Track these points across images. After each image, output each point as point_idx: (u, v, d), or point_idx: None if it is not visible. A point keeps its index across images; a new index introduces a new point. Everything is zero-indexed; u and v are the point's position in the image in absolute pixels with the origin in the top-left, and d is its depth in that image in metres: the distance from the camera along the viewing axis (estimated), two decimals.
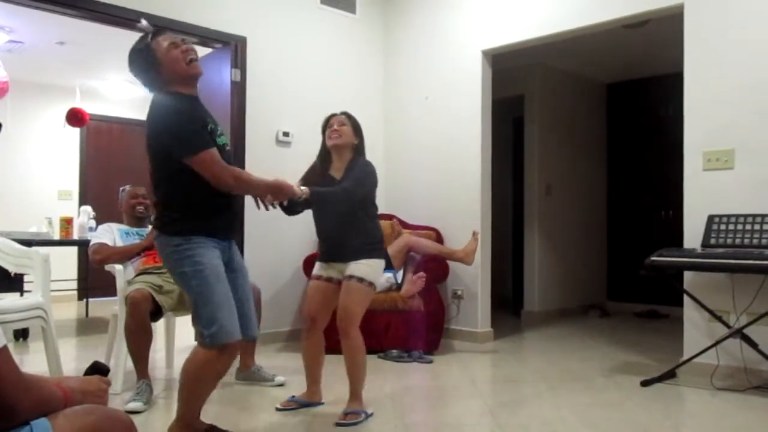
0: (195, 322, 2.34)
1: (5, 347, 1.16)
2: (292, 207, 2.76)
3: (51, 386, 1.28)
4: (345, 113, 3.09)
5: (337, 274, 2.98)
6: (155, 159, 2.41)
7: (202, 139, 2.34)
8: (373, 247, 2.95)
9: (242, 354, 3.56)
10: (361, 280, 2.86)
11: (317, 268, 3.08)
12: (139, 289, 3.31)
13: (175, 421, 2.42)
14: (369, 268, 2.89)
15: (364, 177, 2.94)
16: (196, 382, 2.37)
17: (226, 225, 2.52)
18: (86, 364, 1.54)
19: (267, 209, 2.55)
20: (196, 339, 2.35)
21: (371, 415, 2.92)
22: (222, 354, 2.31)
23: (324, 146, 3.06)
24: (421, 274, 4.25)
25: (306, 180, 2.97)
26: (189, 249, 2.33)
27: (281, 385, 3.53)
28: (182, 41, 2.48)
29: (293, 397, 3.15)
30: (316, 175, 3.04)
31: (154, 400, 3.22)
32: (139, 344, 3.24)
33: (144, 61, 2.41)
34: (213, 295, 2.31)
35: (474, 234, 4.52)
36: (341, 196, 2.85)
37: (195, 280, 2.32)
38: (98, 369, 1.52)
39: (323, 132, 3.07)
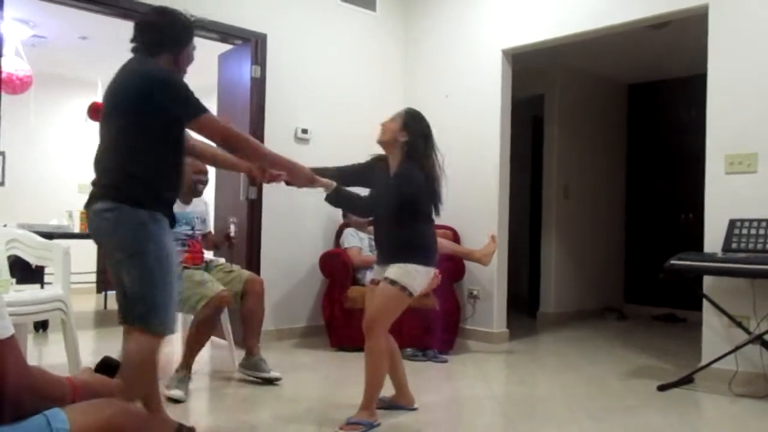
0: (140, 304, 2.20)
1: (12, 336, 1.17)
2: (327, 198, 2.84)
3: (57, 378, 1.29)
4: (407, 109, 2.94)
5: None
6: (137, 120, 2.20)
7: (201, 102, 2.30)
8: (413, 252, 2.78)
9: (248, 340, 3.61)
10: (393, 282, 2.73)
11: (374, 272, 3.04)
12: (226, 290, 3.45)
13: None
14: (402, 271, 2.74)
15: (392, 192, 2.79)
16: (148, 368, 2.29)
17: (172, 204, 2.38)
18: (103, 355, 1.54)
19: (268, 182, 2.69)
20: (130, 322, 2.25)
21: (377, 425, 2.78)
22: (161, 342, 2.28)
23: None
24: (437, 272, 4.22)
25: (347, 170, 3.01)
26: (155, 228, 2.21)
27: (277, 379, 3.52)
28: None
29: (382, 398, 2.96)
30: (366, 169, 3.01)
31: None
32: (204, 338, 3.42)
33: (183, 35, 2.41)
34: (169, 281, 2.23)
35: (492, 237, 4.49)
36: (358, 208, 2.94)
37: (157, 262, 2.19)
38: (108, 365, 1.49)
39: None
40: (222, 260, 4.05)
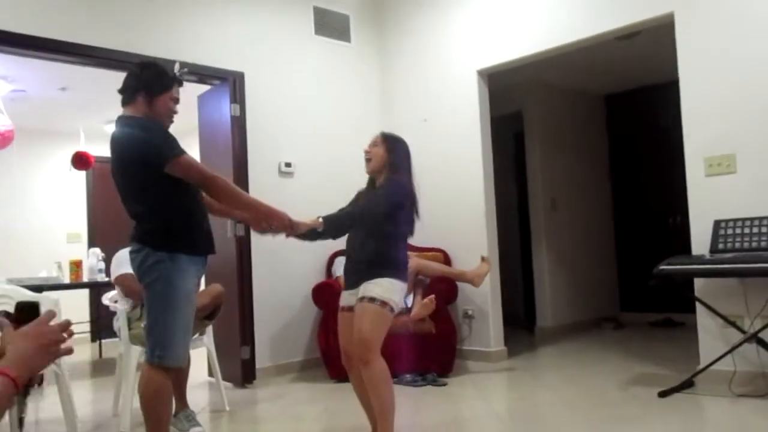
0: (149, 336, 2.52)
1: None
2: (311, 235, 2.73)
3: None
4: (382, 133, 2.96)
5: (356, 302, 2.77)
6: (132, 172, 2.52)
7: (178, 145, 2.51)
8: (388, 267, 2.71)
9: (175, 390, 3.17)
10: (372, 300, 2.63)
11: (341, 299, 2.88)
12: None
13: None
14: (380, 288, 2.65)
15: (380, 196, 2.79)
16: (158, 402, 2.52)
17: (205, 240, 2.66)
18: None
19: (266, 234, 2.70)
20: (146, 359, 2.53)
21: None
22: (168, 377, 2.53)
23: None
24: (431, 297, 4.22)
25: (354, 203, 2.96)
26: (169, 266, 2.48)
27: None
28: (178, 101, 2.72)
29: None
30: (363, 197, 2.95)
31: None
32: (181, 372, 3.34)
33: (154, 84, 2.61)
34: (177, 318, 2.49)
35: (484, 258, 4.51)
36: (346, 220, 2.77)
37: (162, 298, 2.48)
38: (26, 309, 1.24)
39: None
40: None
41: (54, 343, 1.16)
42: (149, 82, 2.60)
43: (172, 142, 2.50)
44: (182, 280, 2.50)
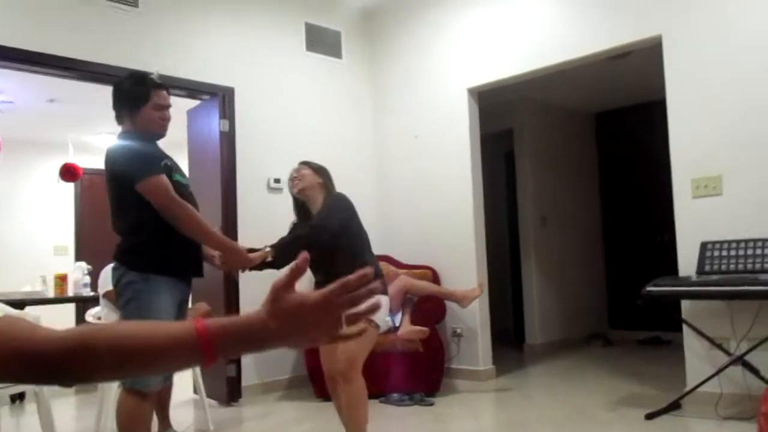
0: None
1: None
2: (260, 265, 2.73)
3: None
4: (301, 162, 3.04)
5: None
6: (114, 190, 2.54)
7: (153, 166, 2.48)
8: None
9: (158, 410, 3.25)
10: None
11: None
12: None
13: None
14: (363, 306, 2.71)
15: (327, 210, 2.82)
16: (133, 427, 2.48)
17: (186, 263, 2.60)
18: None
19: (229, 273, 2.68)
20: (120, 383, 2.55)
21: None
22: (144, 400, 2.47)
23: (296, 200, 3.01)
24: (425, 329, 4.16)
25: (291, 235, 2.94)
26: (140, 291, 2.45)
27: None
28: (167, 107, 2.66)
29: None
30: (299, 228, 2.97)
31: None
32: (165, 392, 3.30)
33: (130, 98, 2.60)
34: None
35: (480, 285, 4.51)
36: (305, 239, 2.73)
37: (133, 318, 2.41)
38: None
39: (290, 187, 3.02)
40: None
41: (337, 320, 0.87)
42: (126, 98, 2.60)
43: (149, 161, 2.47)
44: (156, 303, 2.45)
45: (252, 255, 2.67)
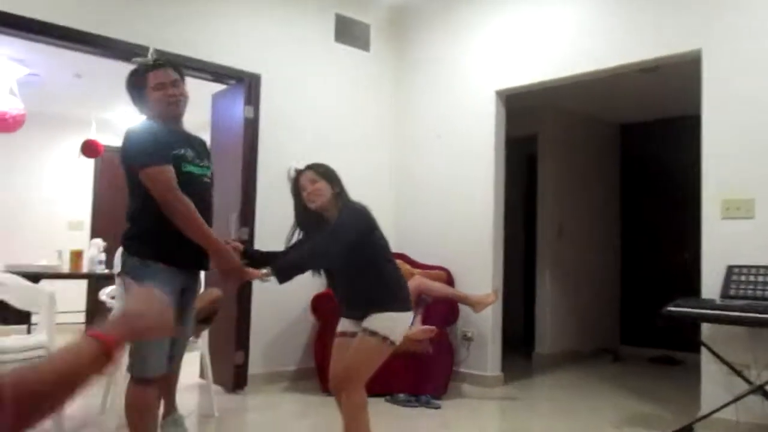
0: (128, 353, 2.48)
1: None
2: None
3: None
4: (311, 167, 2.76)
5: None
6: (125, 174, 2.54)
7: (158, 154, 2.42)
8: (389, 298, 2.60)
9: (164, 394, 3.20)
10: (373, 333, 2.52)
11: (340, 324, 2.76)
12: None
13: None
14: (383, 322, 2.54)
15: (338, 227, 2.60)
16: (137, 413, 2.49)
17: (190, 254, 2.52)
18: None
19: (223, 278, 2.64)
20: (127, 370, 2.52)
21: None
22: (148, 386, 2.47)
23: (305, 207, 2.72)
24: (433, 327, 4.11)
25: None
26: (142, 275, 2.42)
27: None
28: (171, 83, 2.58)
29: None
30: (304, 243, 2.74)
31: None
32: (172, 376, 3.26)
33: (133, 89, 2.64)
34: None
35: (495, 291, 4.46)
36: (308, 259, 2.58)
37: None
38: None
39: (294, 192, 2.76)
40: None
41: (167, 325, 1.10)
42: (131, 92, 2.65)
43: (154, 149, 2.40)
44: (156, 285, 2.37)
45: (248, 271, 2.55)
